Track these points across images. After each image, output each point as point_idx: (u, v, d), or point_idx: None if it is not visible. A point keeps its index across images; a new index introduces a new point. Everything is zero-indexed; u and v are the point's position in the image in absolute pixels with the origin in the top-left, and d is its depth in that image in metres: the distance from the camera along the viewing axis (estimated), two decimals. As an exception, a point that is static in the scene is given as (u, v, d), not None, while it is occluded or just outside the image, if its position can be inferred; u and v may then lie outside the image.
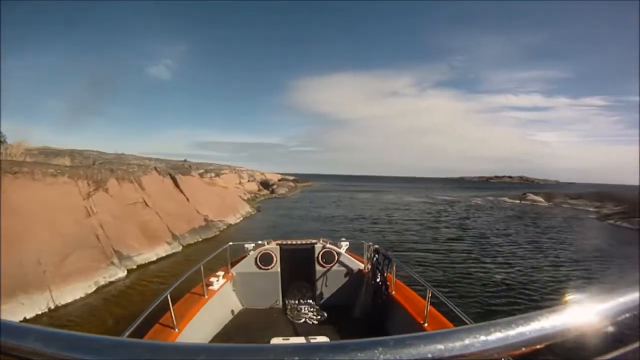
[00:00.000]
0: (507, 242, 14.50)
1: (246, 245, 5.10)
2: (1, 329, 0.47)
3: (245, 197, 28.92)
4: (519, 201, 36.51)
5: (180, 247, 11.65)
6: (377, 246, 4.60)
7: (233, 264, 4.95)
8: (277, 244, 5.16)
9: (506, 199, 38.98)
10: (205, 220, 14.46)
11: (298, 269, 5.08)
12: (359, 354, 0.41)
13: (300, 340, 3.89)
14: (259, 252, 4.98)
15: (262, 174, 48.94)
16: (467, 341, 0.43)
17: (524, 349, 0.44)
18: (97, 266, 8.63)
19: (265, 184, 39.91)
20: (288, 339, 3.92)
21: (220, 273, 4.71)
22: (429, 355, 0.41)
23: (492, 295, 7.94)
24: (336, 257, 5.03)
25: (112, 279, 8.41)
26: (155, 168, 17.00)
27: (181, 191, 15.75)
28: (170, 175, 16.86)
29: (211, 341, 3.82)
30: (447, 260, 10.89)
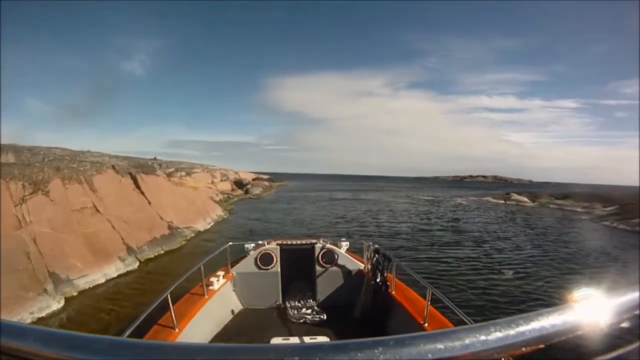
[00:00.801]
0: (511, 247, 13.84)
1: (246, 245, 5.14)
2: (1, 329, 0.47)
3: (218, 198, 26.95)
4: (503, 201, 35.79)
5: (137, 264, 9.82)
6: (377, 246, 4.57)
7: (233, 264, 4.92)
8: (277, 244, 5.14)
9: (490, 198, 38.46)
10: (170, 227, 12.60)
11: (298, 269, 5.05)
12: (359, 354, 0.42)
13: (300, 340, 3.85)
14: (259, 252, 4.95)
15: (236, 173, 46.87)
16: (467, 341, 0.43)
17: (524, 349, 0.45)
18: (24, 296, 6.75)
19: (239, 184, 37.92)
20: (288, 339, 3.91)
21: (221, 273, 4.67)
22: (429, 356, 0.42)
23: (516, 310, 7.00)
24: (336, 257, 5.00)
25: (42, 314, 6.58)
26: (113, 166, 14.91)
27: (142, 193, 13.77)
28: (130, 174, 14.80)
29: (211, 341, 3.80)
30: (455, 271, 9.94)
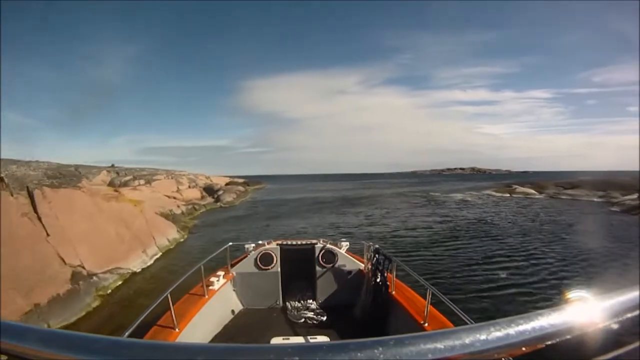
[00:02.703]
0: (578, 257, 10.53)
1: (246, 246, 5.14)
2: (1, 329, 0.47)
3: (180, 210, 22.04)
4: (508, 194, 32.54)
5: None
6: (377, 246, 4.46)
7: (233, 264, 4.88)
8: (277, 244, 5.10)
9: (491, 192, 35.22)
10: (75, 276, 7.78)
11: (298, 269, 4.97)
12: (359, 354, 0.42)
13: (301, 340, 3.83)
14: (259, 252, 4.91)
15: (207, 177, 41.73)
16: (467, 341, 0.43)
17: (524, 348, 0.45)
18: None
19: (209, 190, 32.89)
20: (288, 339, 3.84)
21: (221, 273, 4.62)
22: (429, 356, 0.42)
23: None
24: (336, 257, 4.93)
25: None
26: (1, 178, 9.92)
27: (39, 218, 8.89)
28: (27, 189, 9.85)
29: (211, 341, 3.78)
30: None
